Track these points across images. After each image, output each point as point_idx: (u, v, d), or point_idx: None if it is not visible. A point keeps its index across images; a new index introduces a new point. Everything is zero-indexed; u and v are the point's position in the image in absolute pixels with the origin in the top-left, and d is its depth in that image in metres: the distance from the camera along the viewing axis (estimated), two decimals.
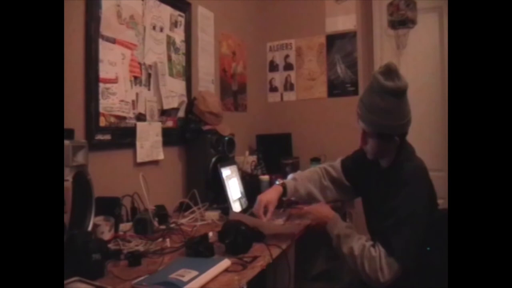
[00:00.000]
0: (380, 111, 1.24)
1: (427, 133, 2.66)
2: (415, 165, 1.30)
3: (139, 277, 0.97)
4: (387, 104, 1.23)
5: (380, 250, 1.19)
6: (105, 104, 1.57)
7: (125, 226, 1.43)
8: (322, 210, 1.46)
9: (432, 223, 1.24)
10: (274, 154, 2.63)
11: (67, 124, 1.03)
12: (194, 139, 2.02)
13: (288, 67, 3.11)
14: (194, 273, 0.94)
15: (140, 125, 1.75)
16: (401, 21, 2.68)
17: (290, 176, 1.67)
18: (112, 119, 1.62)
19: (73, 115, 1.44)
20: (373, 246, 1.23)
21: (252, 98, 2.97)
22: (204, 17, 2.35)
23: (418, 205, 1.22)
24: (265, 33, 3.15)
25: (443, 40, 2.66)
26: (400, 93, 1.24)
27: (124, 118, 1.68)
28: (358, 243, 1.26)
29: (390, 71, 1.25)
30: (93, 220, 1.22)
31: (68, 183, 1.08)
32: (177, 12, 2.07)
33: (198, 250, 1.12)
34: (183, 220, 1.61)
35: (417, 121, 2.68)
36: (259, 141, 2.86)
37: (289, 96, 3.11)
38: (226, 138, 2.05)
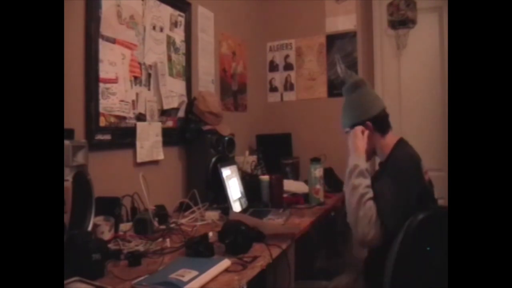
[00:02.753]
0: (346, 108, 1.52)
1: (427, 133, 2.66)
2: (402, 152, 1.41)
3: (139, 277, 0.97)
4: (348, 101, 1.52)
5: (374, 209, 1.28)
6: (105, 104, 1.57)
7: (125, 226, 1.43)
8: (357, 143, 1.44)
9: (431, 219, 1.24)
10: (274, 154, 2.62)
11: (67, 124, 1.03)
12: (194, 139, 2.02)
13: (288, 67, 3.11)
14: (194, 273, 0.94)
15: (140, 125, 1.75)
16: (401, 21, 2.68)
17: None
18: (112, 119, 1.62)
19: (73, 115, 1.44)
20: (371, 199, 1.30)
21: (252, 98, 2.97)
22: (204, 17, 2.35)
23: (402, 177, 1.29)
24: (265, 33, 3.15)
25: (443, 40, 2.66)
26: (353, 87, 1.51)
27: (124, 118, 1.68)
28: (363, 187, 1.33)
29: (347, 80, 1.57)
30: (93, 220, 1.22)
31: (68, 183, 1.08)
32: (177, 12, 2.07)
33: (198, 250, 1.12)
34: (183, 220, 1.61)
35: (417, 121, 2.74)
36: (259, 141, 2.86)
37: (289, 96, 3.11)
38: (226, 138, 2.05)
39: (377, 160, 1.63)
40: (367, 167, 1.39)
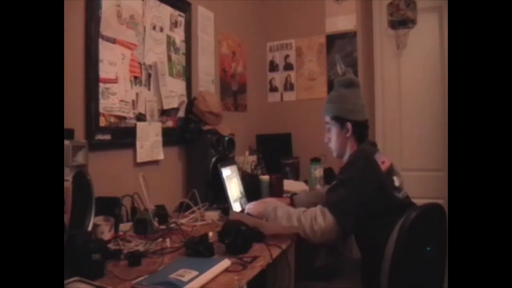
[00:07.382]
0: (335, 98, 1.57)
1: (427, 133, 2.66)
2: (359, 149, 1.49)
3: (139, 277, 0.97)
4: (340, 93, 1.56)
5: (317, 206, 1.37)
6: (105, 104, 1.57)
7: (125, 226, 1.43)
8: (256, 208, 1.57)
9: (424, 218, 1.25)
10: (274, 154, 2.63)
11: (67, 124, 1.03)
12: (194, 139, 2.02)
13: (288, 67, 3.11)
14: (194, 273, 0.94)
15: (140, 125, 1.75)
16: (401, 21, 2.67)
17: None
18: (112, 119, 1.62)
19: (73, 115, 1.44)
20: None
21: (252, 98, 2.97)
22: (204, 17, 2.35)
23: (356, 174, 1.35)
24: (265, 33, 3.15)
25: (443, 40, 2.66)
26: (349, 84, 1.55)
27: (124, 118, 1.68)
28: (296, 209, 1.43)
29: (346, 75, 1.59)
30: (93, 220, 1.22)
31: (68, 183, 1.08)
32: (177, 12, 2.07)
33: (198, 250, 1.12)
34: (183, 220, 1.61)
35: (417, 121, 2.74)
36: (259, 141, 2.86)
37: (289, 96, 3.11)
38: (226, 138, 2.05)
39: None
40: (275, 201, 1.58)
